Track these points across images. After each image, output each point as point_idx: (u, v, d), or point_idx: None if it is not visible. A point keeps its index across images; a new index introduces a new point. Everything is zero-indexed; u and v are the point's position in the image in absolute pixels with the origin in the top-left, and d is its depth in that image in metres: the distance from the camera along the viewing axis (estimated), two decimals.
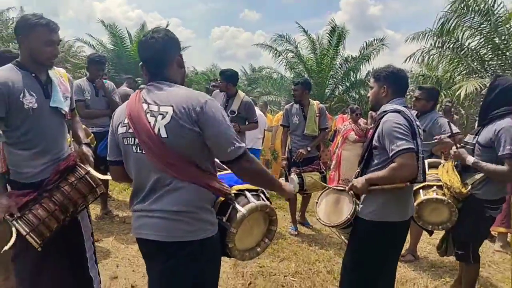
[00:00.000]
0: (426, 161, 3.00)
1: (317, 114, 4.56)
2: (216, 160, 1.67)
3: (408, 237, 3.95)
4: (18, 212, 1.94)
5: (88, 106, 4.18)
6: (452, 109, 8.23)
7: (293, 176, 4.27)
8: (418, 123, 2.22)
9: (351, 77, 15.47)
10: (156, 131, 1.42)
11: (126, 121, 1.53)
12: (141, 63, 1.60)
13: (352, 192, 2.28)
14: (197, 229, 1.48)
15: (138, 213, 1.56)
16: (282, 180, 4.85)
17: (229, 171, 1.79)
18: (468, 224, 2.68)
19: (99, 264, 3.10)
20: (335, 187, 2.49)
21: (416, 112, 3.56)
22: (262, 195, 1.77)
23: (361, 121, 6.61)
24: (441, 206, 2.68)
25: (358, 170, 2.34)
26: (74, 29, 78.75)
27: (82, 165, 2.20)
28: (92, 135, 3.56)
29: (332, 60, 15.12)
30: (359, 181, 2.17)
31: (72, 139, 2.41)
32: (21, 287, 2.18)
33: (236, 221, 1.59)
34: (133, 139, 1.50)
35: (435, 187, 2.75)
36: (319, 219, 2.44)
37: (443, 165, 2.95)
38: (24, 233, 1.88)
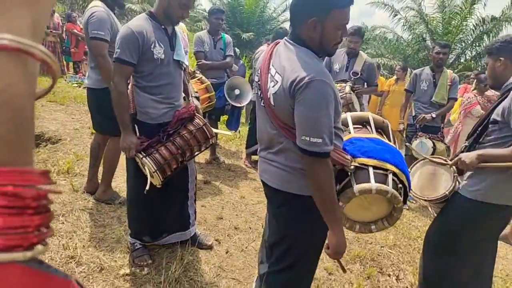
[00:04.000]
0: None
1: (449, 83, 4.26)
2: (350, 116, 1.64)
3: None
4: (145, 151, 2.20)
5: (206, 57, 4.43)
6: None
7: (426, 140, 4.11)
8: None
9: (485, 42, 13.36)
10: (269, 96, 1.46)
11: (259, 72, 1.58)
12: None
13: (454, 167, 2.07)
14: (309, 186, 1.46)
15: (261, 158, 1.67)
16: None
17: (371, 135, 1.74)
18: None
19: (207, 204, 3.46)
20: (440, 161, 2.26)
21: None
22: (391, 176, 1.56)
23: (490, 92, 5.71)
24: None
25: (466, 143, 2.11)
26: None
27: (200, 116, 2.40)
28: (211, 87, 3.79)
29: (463, 21, 13.18)
30: (469, 156, 1.93)
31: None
32: (130, 210, 2.51)
33: (344, 196, 1.53)
34: (259, 91, 1.56)
35: None
36: (411, 190, 2.29)
37: None
38: (153, 170, 2.14)
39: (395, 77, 7.61)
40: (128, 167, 2.44)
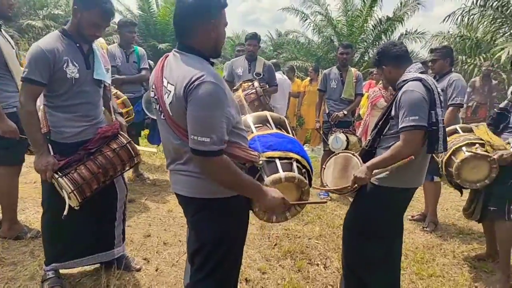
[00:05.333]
0: (458, 126, 2.99)
1: (355, 80, 4.68)
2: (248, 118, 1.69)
3: (421, 203, 3.94)
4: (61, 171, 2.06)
5: (119, 72, 4.25)
6: (491, 73, 7.76)
7: (340, 135, 4.45)
8: (439, 90, 2.15)
9: (383, 41, 14.77)
10: (167, 107, 1.46)
11: (153, 86, 1.56)
12: None
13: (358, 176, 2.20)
14: (222, 188, 1.49)
15: (171, 171, 1.65)
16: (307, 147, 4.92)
17: (272, 131, 1.82)
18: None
19: (133, 223, 3.31)
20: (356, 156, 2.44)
21: (434, 75, 3.57)
22: (295, 163, 1.69)
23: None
24: (483, 163, 2.61)
25: (370, 137, 2.32)
26: None
27: (124, 134, 2.33)
28: (128, 101, 3.68)
29: (364, 23, 14.44)
30: (362, 172, 2.11)
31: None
32: (46, 232, 2.34)
33: None
34: (157, 105, 1.54)
35: (477, 144, 2.70)
36: (326, 185, 2.47)
37: (478, 127, 2.91)
38: (69, 191, 2.01)
39: (309, 78, 8.09)
40: (43, 188, 2.29)
